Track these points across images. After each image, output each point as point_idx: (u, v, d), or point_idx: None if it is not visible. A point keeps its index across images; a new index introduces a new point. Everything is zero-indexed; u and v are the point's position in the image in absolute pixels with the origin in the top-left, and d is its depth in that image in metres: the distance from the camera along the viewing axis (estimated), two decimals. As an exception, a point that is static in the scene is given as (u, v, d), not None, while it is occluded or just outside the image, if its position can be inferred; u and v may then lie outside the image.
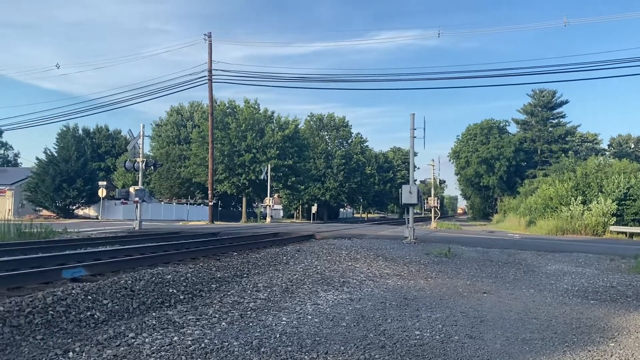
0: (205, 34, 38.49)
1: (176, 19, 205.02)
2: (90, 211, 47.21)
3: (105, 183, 43.68)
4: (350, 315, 6.53)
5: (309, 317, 6.38)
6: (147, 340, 5.06)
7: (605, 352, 5.21)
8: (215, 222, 37.65)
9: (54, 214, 43.46)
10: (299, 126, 56.77)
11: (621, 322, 6.65)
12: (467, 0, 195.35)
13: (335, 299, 7.63)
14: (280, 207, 75.04)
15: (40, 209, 44.55)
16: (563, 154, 66.45)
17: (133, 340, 5.06)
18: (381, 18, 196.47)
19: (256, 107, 51.79)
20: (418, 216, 74.47)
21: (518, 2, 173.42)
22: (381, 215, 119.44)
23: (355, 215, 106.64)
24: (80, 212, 46.51)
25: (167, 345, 4.90)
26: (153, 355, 4.63)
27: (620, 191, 35.32)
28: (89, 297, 6.13)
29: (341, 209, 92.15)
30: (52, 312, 5.52)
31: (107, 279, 7.12)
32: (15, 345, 4.77)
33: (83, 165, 44.98)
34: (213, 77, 37.85)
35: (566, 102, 78.77)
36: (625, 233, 32.11)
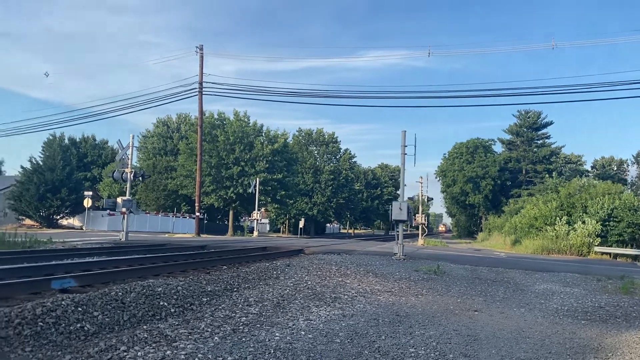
0: (197, 47, 38.54)
1: (170, 32, 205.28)
2: (75, 221, 46.50)
3: (91, 193, 43.13)
4: (343, 332, 6.47)
5: (302, 332, 6.31)
6: (139, 354, 4.96)
7: (600, 372, 5.23)
8: (202, 235, 37.32)
9: (37, 224, 42.73)
10: (288, 140, 56.77)
11: (614, 342, 6.68)
12: (454, 23, 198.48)
13: (328, 315, 7.57)
14: (267, 221, 74.69)
15: (24, 218, 43.79)
16: (547, 174, 67.23)
17: (125, 353, 4.95)
18: (370, 37, 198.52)
19: (246, 120, 51.70)
20: (405, 233, 74.43)
21: (506, 24, 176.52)
22: (368, 231, 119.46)
23: (342, 230, 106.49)
24: (64, 222, 45.80)
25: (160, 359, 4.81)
26: (146, 369, 4.54)
27: (605, 212, 35.73)
28: (79, 309, 6.00)
29: (328, 225, 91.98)
30: (41, 324, 5.39)
31: (97, 291, 6.99)
32: (4, 357, 4.64)
33: (68, 174, 44.41)
34: (203, 89, 37.83)
35: (551, 123, 79.94)
36: (610, 254, 32.45)
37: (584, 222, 34.80)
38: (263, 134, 52.50)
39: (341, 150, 75.11)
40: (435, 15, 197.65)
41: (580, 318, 8.63)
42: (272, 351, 5.34)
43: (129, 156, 23.02)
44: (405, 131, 18.73)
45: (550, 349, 6.11)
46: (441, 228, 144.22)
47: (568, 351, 6.06)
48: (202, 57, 38.02)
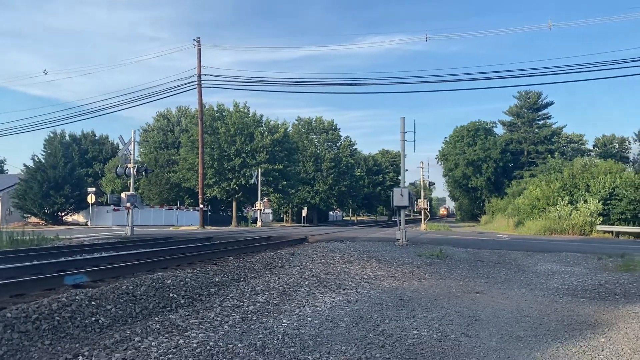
0: (194, 39, 38.55)
1: (167, 26, 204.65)
2: (79, 217, 46.87)
3: (94, 189, 43.42)
4: (348, 317, 6.68)
5: (309, 318, 6.52)
6: (153, 343, 5.17)
7: (596, 347, 5.43)
8: (206, 227, 37.62)
9: (42, 221, 43.09)
10: (288, 130, 56.84)
11: (610, 318, 6.88)
12: (452, 7, 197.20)
13: (333, 301, 7.78)
14: (270, 211, 75.00)
15: (29, 216, 44.15)
16: (549, 155, 67.22)
17: (139, 344, 5.16)
18: (368, 24, 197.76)
19: (245, 111, 51.76)
20: (408, 218, 74.53)
21: (504, 6, 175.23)
22: (370, 217, 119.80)
23: (345, 218, 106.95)
24: (68, 218, 46.15)
25: (173, 348, 5.01)
26: (161, 357, 4.74)
27: (606, 191, 35.90)
28: (93, 303, 6.22)
29: (331, 212, 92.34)
30: (58, 318, 5.61)
31: (109, 285, 7.22)
32: (25, 351, 4.86)
33: (71, 171, 44.66)
34: (202, 82, 37.90)
35: (551, 103, 79.91)
36: (612, 232, 32.65)
37: (585, 202, 34.97)
38: (263, 125, 52.60)
39: (341, 138, 75.25)
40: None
41: (579, 296, 8.83)
42: (281, 337, 5.55)
43: (131, 152, 23.19)
44: (404, 118, 18.86)
45: (549, 327, 6.31)
46: (442, 212, 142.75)
47: (566, 328, 6.27)
48: (199, 49, 38.04)
